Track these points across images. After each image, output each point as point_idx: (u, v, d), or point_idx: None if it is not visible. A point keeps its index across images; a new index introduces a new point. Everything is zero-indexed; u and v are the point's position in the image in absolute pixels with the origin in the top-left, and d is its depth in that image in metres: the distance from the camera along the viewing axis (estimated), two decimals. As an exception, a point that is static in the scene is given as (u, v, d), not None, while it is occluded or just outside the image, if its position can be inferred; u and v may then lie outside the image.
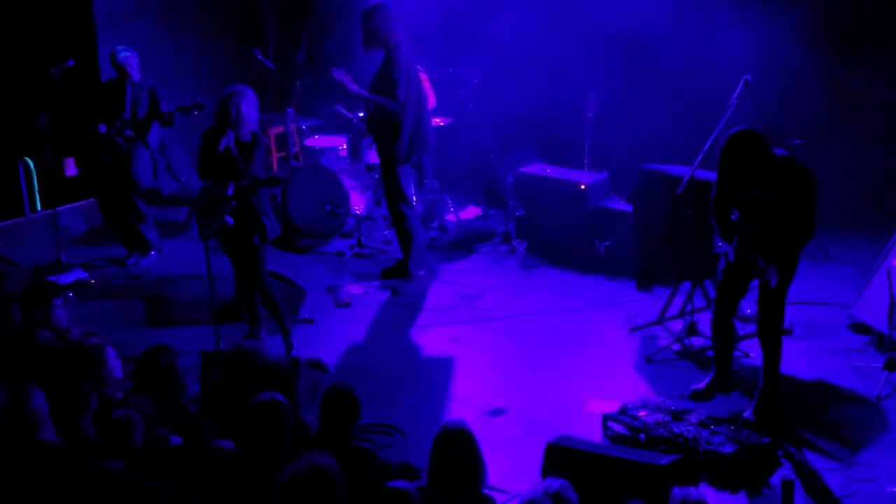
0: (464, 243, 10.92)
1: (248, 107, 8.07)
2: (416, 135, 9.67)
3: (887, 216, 9.42)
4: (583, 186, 10.13)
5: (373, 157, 10.73)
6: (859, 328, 8.41)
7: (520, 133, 11.76)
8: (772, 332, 7.07)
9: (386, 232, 11.00)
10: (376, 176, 10.83)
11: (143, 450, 5.57)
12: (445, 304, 9.52)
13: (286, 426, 5.42)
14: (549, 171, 10.64)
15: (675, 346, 8.34)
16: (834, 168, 9.50)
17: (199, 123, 11.13)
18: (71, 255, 10.61)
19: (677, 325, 8.59)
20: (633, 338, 8.61)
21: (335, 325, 9.11)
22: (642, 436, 6.79)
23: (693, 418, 6.87)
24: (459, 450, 5.15)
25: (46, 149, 10.52)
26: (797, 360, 7.91)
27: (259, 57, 12.59)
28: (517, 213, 10.80)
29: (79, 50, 11.28)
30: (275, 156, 12.71)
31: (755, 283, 7.11)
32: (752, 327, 7.75)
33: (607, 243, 9.92)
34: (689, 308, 8.48)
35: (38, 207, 11.26)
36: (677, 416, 6.90)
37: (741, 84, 7.80)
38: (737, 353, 8.05)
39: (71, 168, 11.46)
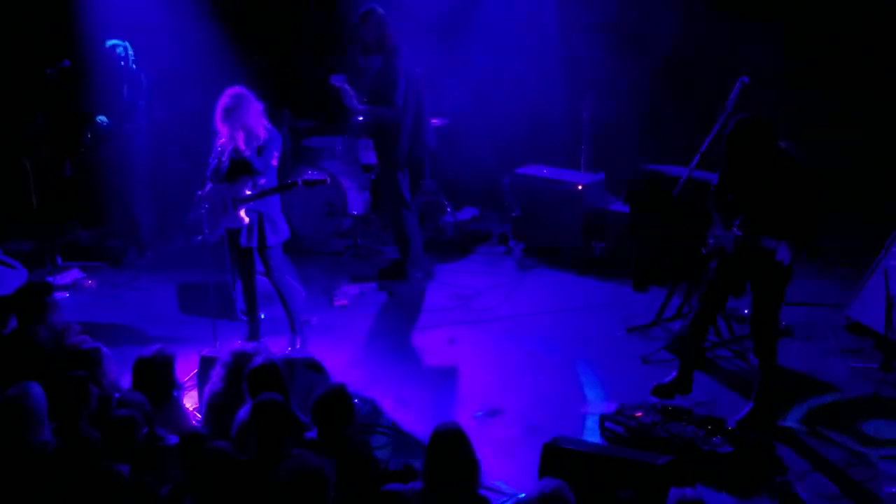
0: (460, 244, 10.91)
1: (256, 107, 8.09)
2: (415, 139, 9.68)
3: (884, 216, 9.41)
4: (579, 187, 10.13)
5: (369, 157, 10.73)
6: (856, 329, 8.42)
7: (516, 134, 11.75)
8: (766, 336, 7.06)
9: (382, 233, 11.00)
10: (373, 177, 10.83)
11: (140, 450, 5.57)
12: (442, 305, 9.51)
13: (284, 427, 5.42)
14: (546, 171, 10.65)
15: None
16: (829, 167, 9.49)
17: (198, 124, 11.15)
18: (67, 256, 10.60)
19: (674, 326, 8.59)
20: (630, 338, 8.61)
21: (332, 326, 9.10)
22: (639, 436, 6.79)
23: (690, 419, 6.86)
24: (453, 450, 5.14)
25: (44, 149, 10.51)
26: (794, 361, 7.91)
27: (255, 57, 12.57)
28: (514, 214, 10.80)
29: (75, 50, 11.25)
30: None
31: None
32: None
33: (604, 244, 9.92)
34: (686, 309, 8.49)
35: (35, 207, 11.23)
36: (674, 416, 6.90)
37: (738, 85, 7.80)
38: (731, 354, 8.08)
39: (68, 168, 11.44)
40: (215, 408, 6.43)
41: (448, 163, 11.67)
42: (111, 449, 5.48)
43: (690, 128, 8.90)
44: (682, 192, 7.92)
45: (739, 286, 7.21)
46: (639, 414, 6.99)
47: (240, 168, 8.00)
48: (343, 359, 8.40)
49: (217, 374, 6.56)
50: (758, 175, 6.74)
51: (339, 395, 5.70)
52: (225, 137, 7.99)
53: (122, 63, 10.21)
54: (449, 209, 11.37)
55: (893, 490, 6.35)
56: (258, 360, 6.17)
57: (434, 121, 10.75)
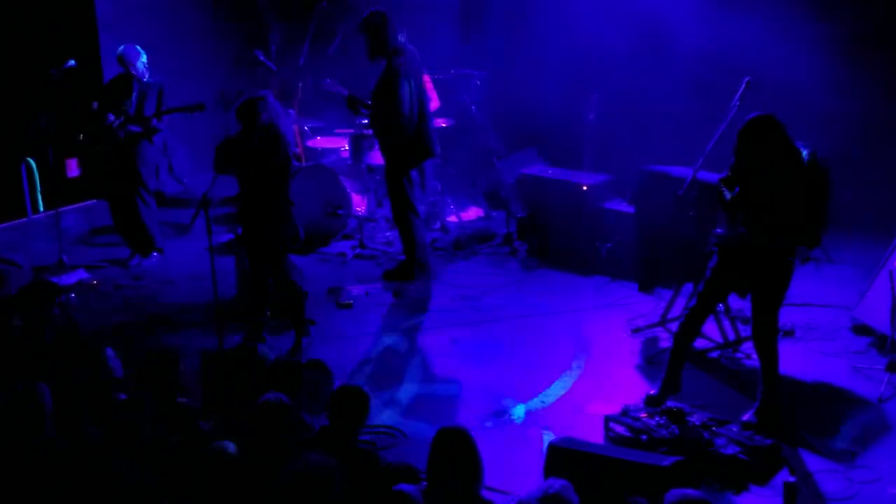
0: (465, 245, 10.91)
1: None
2: (419, 140, 9.67)
3: (889, 217, 9.40)
4: (585, 188, 10.12)
5: (374, 158, 10.73)
6: (861, 330, 8.40)
7: (522, 134, 11.75)
8: (767, 336, 7.04)
9: (388, 233, 11.00)
10: (378, 177, 10.83)
11: (145, 449, 5.57)
12: (447, 306, 9.51)
13: (289, 426, 5.43)
14: (551, 172, 10.64)
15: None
16: (835, 168, 9.47)
17: (200, 125, 11.17)
18: (73, 256, 10.61)
19: (679, 327, 8.58)
20: (635, 339, 8.60)
21: (336, 326, 9.10)
22: (644, 437, 6.79)
23: (695, 420, 6.85)
24: (457, 452, 5.15)
25: (48, 149, 10.53)
26: (799, 362, 7.90)
27: (261, 58, 12.60)
28: (519, 215, 10.79)
29: (80, 50, 11.29)
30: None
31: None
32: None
33: (609, 245, 9.90)
34: (690, 310, 8.46)
35: (41, 208, 11.27)
36: (679, 417, 6.89)
37: (742, 85, 7.79)
38: (739, 355, 8.06)
39: (73, 169, 11.47)
40: (219, 406, 6.43)
41: (453, 163, 11.68)
42: (116, 448, 5.49)
43: (696, 128, 8.89)
44: (688, 192, 7.90)
45: (743, 286, 7.18)
46: (644, 415, 6.98)
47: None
48: (348, 359, 8.41)
49: (221, 373, 6.58)
50: (769, 173, 6.74)
51: (356, 394, 5.75)
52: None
53: (132, 67, 10.23)
54: (453, 209, 11.36)
55: (897, 491, 6.36)
56: (265, 362, 6.19)
57: (440, 121, 10.76)
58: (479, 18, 12.27)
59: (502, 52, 11.63)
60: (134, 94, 10.27)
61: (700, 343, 8.25)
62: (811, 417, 7.22)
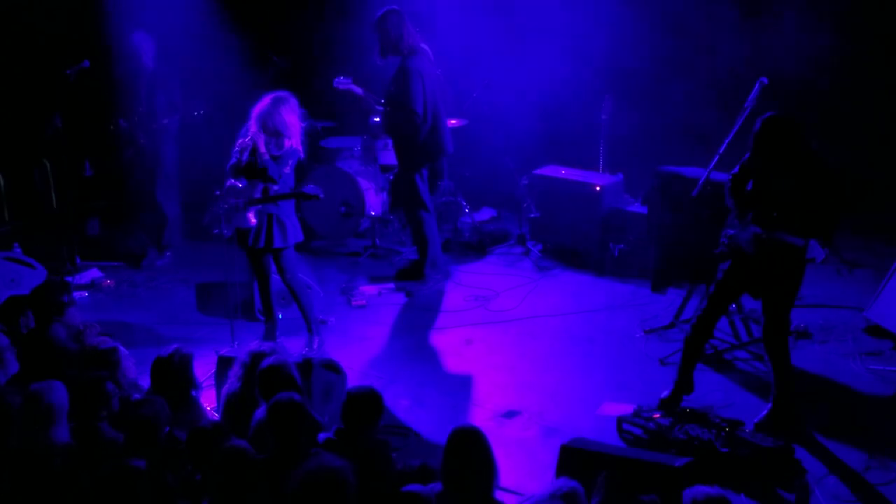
0: (478, 245, 10.91)
1: (290, 113, 8.11)
2: (432, 140, 9.67)
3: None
4: (598, 188, 10.11)
5: (388, 158, 10.73)
6: (875, 331, 8.38)
7: (535, 135, 11.74)
8: (777, 337, 7.03)
9: (401, 233, 11.01)
10: (391, 177, 10.84)
11: (161, 450, 5.59)
12: (460, 306, 9.51)
13: (303, 426, 5.44)
14: (564, 172, 10.63)
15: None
16: (849, 168, 9.46)
17: (204, 125, 11.17)
18: (87, 256, 10.64)
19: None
20: (648, 340, 8.59)
21: (349, 327, 9.12)
22: (657, 438, 6.78)
23: (709, 421, 6.84)
24: (471, 452, 5.14)
25: (63, 150, 10.56)
26: (813, 364, 7.90)
27: (274, 58, 12.59)
28: (532, 215, 10.79)
29: (94, 51, 11.30)
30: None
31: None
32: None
33: (622, 245, 9.90)
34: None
35: (55, 208, 11.29)
36: (693, 418, 6.88)
37: (757, 86, 7.76)
38: (751, 355, 8.05)
39: (87, 169, 11.49)
40: (233, 407, 6.45)
41: (466, 163, 11.68)
42: (132, 449, 5.50)
43: (710, 128, 8.88)
44: (702, 193, 7.89)
45: (756, 286, 7.17)
46: (657, 415, 6.97)
47: (255, 170, 8.01)
48: (361, 359, 8.42)
49: (235, 373, 6.59)
50: (783, 172, 6.72)
51: (369, 395, 5.75)
52: (249, 136, 8.02)
53: (142, 56, 10.27)
54: (467, 210, 11.36)
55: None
56: (268, 360, 6.19)
57: (452, 121, 10.75)
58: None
59: (514, 52, 11.60)
60: (142, 91, 10.31)
61: (713, 343, 8.26)
62: (825, 418, 7.21)
